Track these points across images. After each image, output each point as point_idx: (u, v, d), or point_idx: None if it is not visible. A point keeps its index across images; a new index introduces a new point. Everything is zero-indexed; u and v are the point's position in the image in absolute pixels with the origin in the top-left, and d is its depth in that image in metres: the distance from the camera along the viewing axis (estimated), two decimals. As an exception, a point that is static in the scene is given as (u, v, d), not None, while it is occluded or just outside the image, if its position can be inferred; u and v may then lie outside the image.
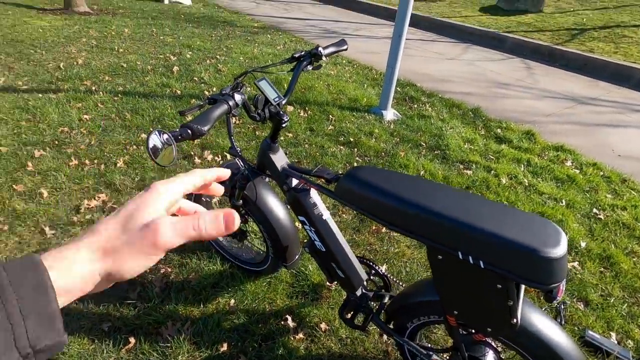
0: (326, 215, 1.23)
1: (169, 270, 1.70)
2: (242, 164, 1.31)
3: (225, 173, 0.40)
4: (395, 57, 3.15)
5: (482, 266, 0.80)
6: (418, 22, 7.11)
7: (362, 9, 9.14)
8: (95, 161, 2.39)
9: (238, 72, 4.04)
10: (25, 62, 3.80)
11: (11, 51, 4.03)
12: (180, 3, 7.62)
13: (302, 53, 1.22)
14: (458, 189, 0.94)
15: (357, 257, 1.30)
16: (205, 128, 0.84)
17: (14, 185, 2.10)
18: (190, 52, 4.57)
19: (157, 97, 3.31)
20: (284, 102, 1.14)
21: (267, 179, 1.42)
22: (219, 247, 1.72)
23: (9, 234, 1.80)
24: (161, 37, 5.09)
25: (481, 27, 6.77)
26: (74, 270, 0.28)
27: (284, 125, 1.14)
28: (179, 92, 3.47)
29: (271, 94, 1.09)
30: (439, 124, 3.26)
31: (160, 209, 0.32)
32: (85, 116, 2.88)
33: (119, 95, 3.28)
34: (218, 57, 4.49)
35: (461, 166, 2.70)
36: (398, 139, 3.00)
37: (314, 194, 1.22)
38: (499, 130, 3.25)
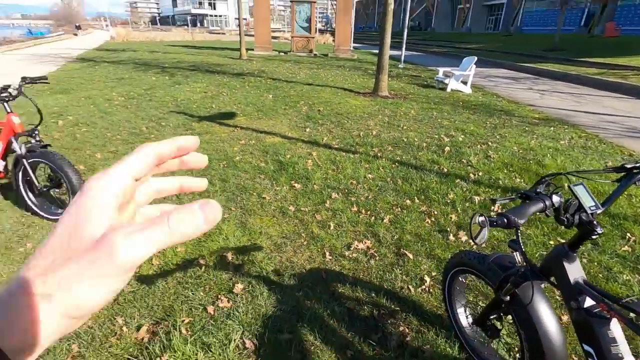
0: (629, 360, 0.98)
1: (407, 330, 1.80)
2: (521, 260, 1.26)
3: (191, 141, 0.28)
4: None
5: None
6: None
7: (701, 107, 6.93)
8: (368, 212, 2.91)
9: (509, 161, 3.93)
10: (340, 128, 5.20)
11: (334, 120, 5.62)
12: (461, 91, 8.31)
13: (637, 164, 1.08)
14: None
15: None
16: (521, 221, 0.89)
17: (315, 214, 2.86)
18: (462, 136, 4.86)
19: (426, 171, 3.69)
20: (599, 212, 1.04)
21: (543, 285, 1.29)
22: (460, 333, 1.67)
23: (305, 249, 2.46)
24: (438, 120, 5.70)
25: None
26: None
27: (594, 236, 1.03)
28: (445, 170, 3.73)
29: (587, 202, 1.03)
30: None
31: (109, 214, 0.23)
32: (369, 175, 3.59)
33: (396, 163, 3.89)
34: (489, 143, 4.54)
35: None
36: None
37: (616, 328, 1.00)
38: None
